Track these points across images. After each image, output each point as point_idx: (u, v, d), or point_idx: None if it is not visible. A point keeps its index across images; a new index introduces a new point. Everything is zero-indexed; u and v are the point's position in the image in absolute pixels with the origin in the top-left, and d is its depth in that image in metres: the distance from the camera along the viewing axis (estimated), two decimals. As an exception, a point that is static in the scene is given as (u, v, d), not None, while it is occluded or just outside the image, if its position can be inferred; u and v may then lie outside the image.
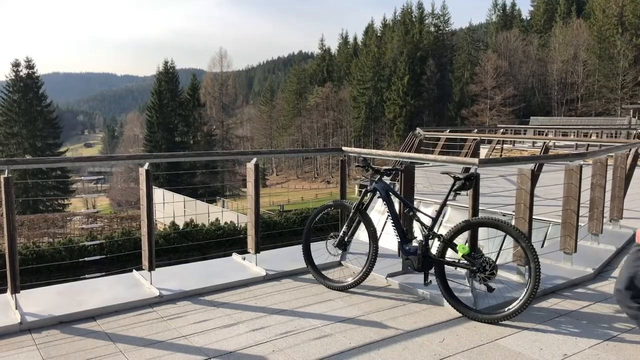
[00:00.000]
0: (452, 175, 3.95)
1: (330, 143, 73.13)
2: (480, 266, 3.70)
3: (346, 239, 4.37)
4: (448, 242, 3.81)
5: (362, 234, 4.69)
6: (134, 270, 4.57)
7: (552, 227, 7.47)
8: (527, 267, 3.77)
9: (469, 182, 3.90)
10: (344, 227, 4.39)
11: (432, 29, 74.91)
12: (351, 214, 4.33)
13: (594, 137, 22.86)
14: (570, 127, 31.09)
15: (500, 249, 6.26)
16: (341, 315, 3.78)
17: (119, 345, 3.28)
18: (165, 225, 20.96)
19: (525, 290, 3.62)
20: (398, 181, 4.65)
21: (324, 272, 4.49)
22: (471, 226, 3.91)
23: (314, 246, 4.53)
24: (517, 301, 3.63)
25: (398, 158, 5.57)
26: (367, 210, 4.36)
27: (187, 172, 49.75)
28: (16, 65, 52.84)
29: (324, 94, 75.11)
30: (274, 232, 17.09)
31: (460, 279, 4.05)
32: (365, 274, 4.25)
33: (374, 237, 4.24)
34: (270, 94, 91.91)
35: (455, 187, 3.92)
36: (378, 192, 4.23)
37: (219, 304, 4.00)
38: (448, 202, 4.16)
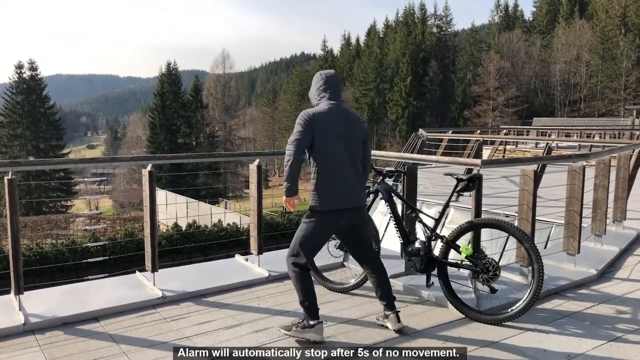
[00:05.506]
0: (455, 177, 3.93)
1: (332, 144, 72.89)
2: (483, 267, 3.70)
3: None
4: (451, 243, 3.81)
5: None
6: (136, 272, 4.58)
7: (555, 228, 7.44)
8: (530, 268, 3.77)
9: (472, 183, 3.89)
10: None
11: (435, 30, 74.72)
12: None
13: (597, 138, 22.78)
14: (573, 127, 30.99)
15: (503, 250, 6.23)
16: (344, 316, 3.77)
17: (122, 346, 3.29)
18: (168, 226, 20.98)
19: (529, 291, 3.62)
20: (401, 182, 4.64)
21: (326, 274, 4.49)
22: (474, 227, 3.91)
23: None
24: (520, 302, 3.62)
25: (401, 159, 5.58)
26: (370, 212, 4.35)
27: (189, 173, 49.74)
28: (19, 67, 52.89)
29: (327, 95, 75.03)
30: (276, 233, 17.10)
31: (463, 280, 4.05)
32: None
33: (376, 238, 4.23)
34: (272, 95, 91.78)
35: (458, 189, 3.91)
36: (380, 194, 4.22)
37: (221, 305, 4.00)
38: (451, 203, 4.15)
